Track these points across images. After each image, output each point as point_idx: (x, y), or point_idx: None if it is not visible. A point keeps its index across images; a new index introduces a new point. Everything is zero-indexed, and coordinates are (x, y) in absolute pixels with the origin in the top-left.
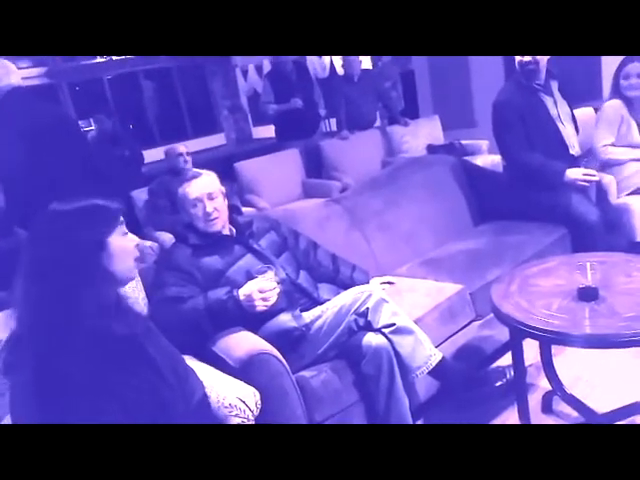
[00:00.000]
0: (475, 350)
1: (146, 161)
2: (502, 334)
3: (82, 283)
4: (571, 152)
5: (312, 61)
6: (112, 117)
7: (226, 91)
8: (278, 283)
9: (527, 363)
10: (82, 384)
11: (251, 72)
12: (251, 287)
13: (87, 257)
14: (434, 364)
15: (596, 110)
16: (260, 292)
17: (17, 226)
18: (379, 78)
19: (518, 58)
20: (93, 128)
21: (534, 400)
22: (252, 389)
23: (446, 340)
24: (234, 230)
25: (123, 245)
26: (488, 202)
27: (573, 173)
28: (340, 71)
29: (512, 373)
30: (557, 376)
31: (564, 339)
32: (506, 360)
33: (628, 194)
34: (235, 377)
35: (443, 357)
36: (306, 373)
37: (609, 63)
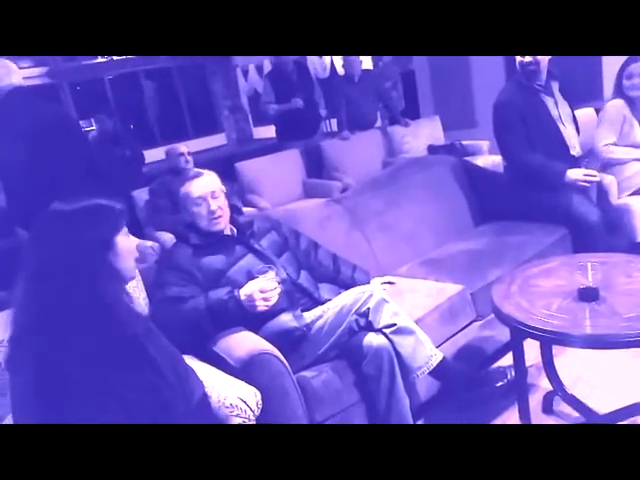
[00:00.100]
0: (476, 350)
1: (147, 161)
2: (503, 334)
3: (89, 282)
4: (572, 153)
5: (313, 61)
6: (113, 117)
7: (227, 91)
8: (279, 283)
9: (528, 363)
10: (83, 383)
11: (252, 72)
12: (252, 287)
13: (95, 256)
14: (435, 364)
15: (597, 111)
16: (261, 292)
17: (18, 226)
18: (380, 78)
19: (519, 59)
20: (94, 128)
21: (535, 400)
22: (253, 389)
23: (447, 340)
24: (235, 230)
25: (127, 245)
26: (489, 202)
27: (574, 174)
28: (341, 71)
29: (513, 373)
30: (558, 376)
31: (565, 339)
32: (507, 360)
33: (629, 194)
34: (236, 377)
35: (444, 357)
36: (307, 373)
37: (610, 64)
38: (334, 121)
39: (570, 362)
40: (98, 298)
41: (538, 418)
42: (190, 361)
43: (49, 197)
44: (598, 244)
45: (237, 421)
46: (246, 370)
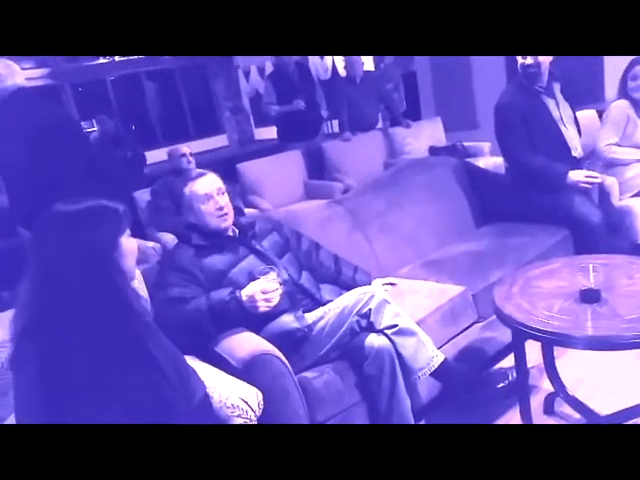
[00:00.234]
0: (477, 352)
1: (149, 162)
2: (504, 336)
3: (94, 282)
4: (573, 154)
5: (314, 62)
6: (114, 118)
7: (228, 92)
8: (280, 284)
9: (529, 365)
10: (86, 383)
11: (253, 73)
12: (254, 288)
13: (100, 257)
14: (436, 365)
15: (598, 112)
16: (263, 293)
17: (20, 226)
18: (381, 80)
19: (520, 60)
20: (95, 129)
21: (536, 402)
22: (254, 389)
23: (448, 341)
24: (237, 231)
25: (130, 245)
26: (490, 204)
27: (575, 175)
28: (342, 72)
29: (514, 375)
30: (559, 378)
31: (566, 341)
32: (508, 362)
33: (631, 196)
34: (238, 377)
35: (445, 358)
36: (308, 374)
37: (612, 65)
38: (335, 122)
39: (571, 363)
40: (102, 298)
41: (539, 419)
42: (192, 361)
43: (51, 197)
44: (600, 245)
45: (238, 421)
46: (247, 371)
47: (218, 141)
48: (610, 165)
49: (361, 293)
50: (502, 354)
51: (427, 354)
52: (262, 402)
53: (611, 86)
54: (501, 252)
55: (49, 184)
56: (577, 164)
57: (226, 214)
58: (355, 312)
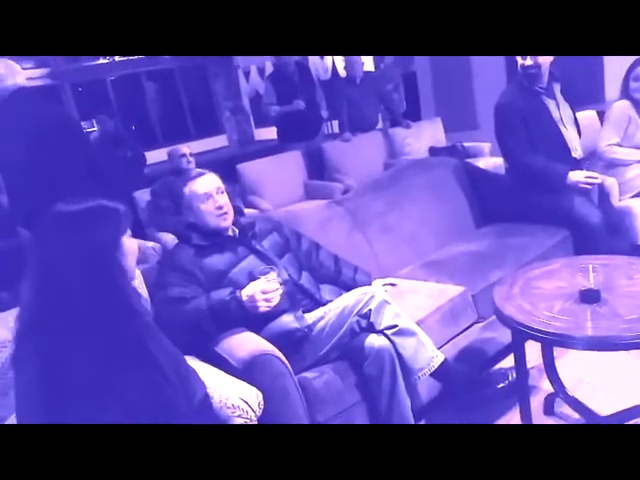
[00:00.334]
0: (477, 352)
1: (148, 162)
2: (504, 336)
3: (96, 282)
4: (573, 155)
5: (314, 63)
6: (114, 118)
7: (228, 92)
8: (280, 284)
9: (529, 365)
10: (87, 383)
11: (253, 73)
12: (254, 288)
13: (102, 257)
14: (436, 366)
15: (598, 113)
16: (263, 293)
17: (20, 226)
18: (381, 80)
19: (520, 61)
20: (95, 129)
21: (536, 402)
22: (255, 390)
23: (448, 342)
24: (237, 231)
25: (130, 245)
26: (490, 204)
27: (575, 175)
28: (342, 73)
29: (514, 375)
30: (559, 378)
31: (566, 341)
32: (508, 362)
33: (631, 197)
34: (238, 378)
35: (445, 359)
36: (308, 374)
37: (612, 66)
38: (335, 123)
39: (571, 364)
40: (104, 298)
41: (539, 420)
42: (192, 361)
43: (51, 198)
44: (599, 246)
45: (239, 421)
46: (248, 371)
47: (218, 141)
48: (610, 166)
49: (361, 293)
50: (502, 354)
51: (427, 354)
52: (262, 402)
53: (611, 87)
54: (501, 252)
55: (49, 184)
56: (577, 165)
57: (226, 213)
58: (355, 312)
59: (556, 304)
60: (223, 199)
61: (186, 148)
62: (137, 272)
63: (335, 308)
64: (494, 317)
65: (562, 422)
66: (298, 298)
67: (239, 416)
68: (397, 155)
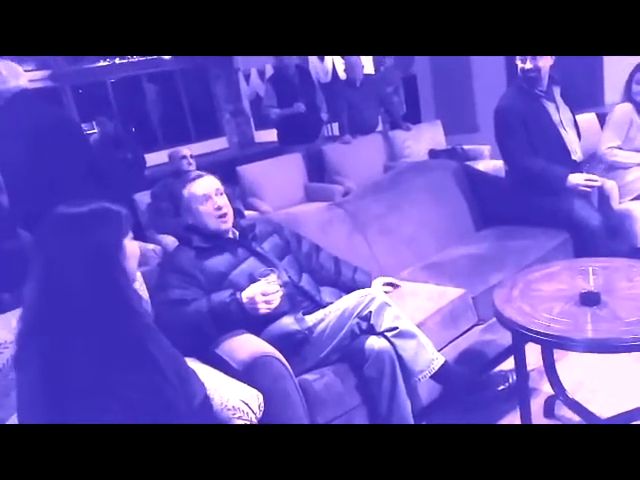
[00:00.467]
0: (477, 354)
1: (149, 164)
2: (504, 338)
3: (99, 284)
4: (573, 158)
5: (314, 65)
6: (114, 120)
7: (228, 95)
8: (281, 286)
9: (529, 367)
10: (88, 383)
11: (253, 76)
12: (254, 290)
13: (104, 259)
14: (436, 368)
15: (598, 116)
16: (263, 295)
17: (20, 228)
18: (381, 83)
19: (520, 65)
20: (96, 131)
21: (536, 404)
22: (255, 391)
23: (448, 344)
24: (237, 233)
25: (132, 247)
26: (490, 207)
27: (575, 178)
28: (342, 76)
29: (514, 377)
30: (559, 380)
31: (566, 343)
32: (508, 364)
33: (631, 199)
34: (238, 379)
35: (446, 361)
36: (309, 376)
37: (612, 69)
38: (336, 125)
39: (571, 366)
40: (105, 299)
41: (539, 422)
42: (192, 363)
43: (51, 199)
44: (599, 249)
45: (239, 423)
46: (248, 372)
47: (218, 143)
48: (610, 168)
49: (361, 296)
50: (502, 357)
51: (427, 356)
52: (263, 404)
53: (611, 90)
54: (501, 255)
55: (49, 186)
56: (577, 167)
57: (225, 215)
58: (355, 314)
59: (556, 306)
60: (222, 201)
61: (187, 150)
62: (138, 274)
63: (335, 310)
64: (494, 319)
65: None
66: (298, 300)
67: (239, 418)
68: (397, 158)
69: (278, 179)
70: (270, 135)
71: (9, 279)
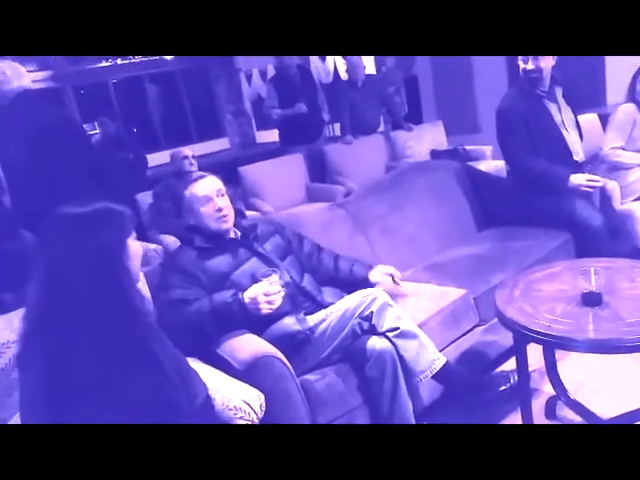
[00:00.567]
0: (479, 355)
1: (150, 165)
2: (506, 339)
3: (103, 283)
4: (575, 158)
5: (316, 66)
6: (116, 120)
7: (230, 95)
8: (283, 286)
9: (531, 368)
10: (90, 383)
11: (255, 77)
12: (256, 290)
13: (109, 258)
14: (438, 368)
15: (600, 116)
16: (265, 295)
17: (22, 228)
18: (383, 83)
19: (522, 66)
20: (97, 131)
21: (538, 405)
22: (257, 391)
23: (450, 344)
24: (239, 233)
25: (135, 247)
26: (492, 207)
27: (577, 179)
28: (344, 76)
29: (516, 378)
30: (561, 381)
31: (568, 344)
32: (510, 365)
33: (633, 200)
34: (240, 379)
35: (447, 361)
36: (310, 376)
37: (614, 70)
38: (337, 126)
39: (573, 367)
40: (109, 299)
41: (541, 423)
42: (194, 363)
43: (53, 200)
44: (601, 249)
45: (240, 423)
46: (250, 373)
47: (219, 144)
48: (612, 169)
49: (363, 296)
50: (504, 357)
51: (429, 357)
52: (264, 404)
53: (613, 90)
54: (503, 255)
55: (51, 186)
56: (579, 168)
57: (225, 216)
58: (357, 315)
59: (558, 307)
60: (223, 202)
61: (188, 150)
62: (140, 274)
63: (337, 310)
64: (496, 320)
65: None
66: (300, 300)
67: (241, 418)
68: (399, 158)
69: (279, 179)
70: (271, 136)
71: (11, 279)
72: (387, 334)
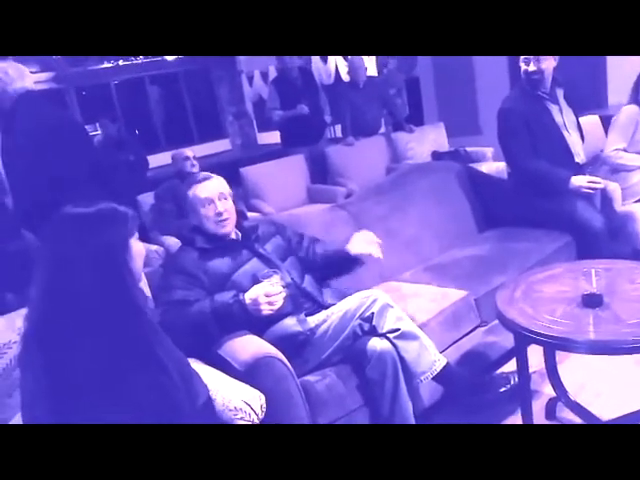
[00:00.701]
0: (480, 356)
1: (152, 166)
2: (507, 340)
3: (107, 283)
4: (576, 160)
5: (317, 67)
6: (117, 122)
7: (231, 97)
8: (284, 287)
9: (531, 369)
10: (91, 383)
11: (256, 78)
12: (257, 291)
13: (112, 258)
14: (439, 369)
15: (601, 118)
16: (266, 296)
17: (24, 229)
18: (384, 85)
19: (523, 67)
20: (99, 132)
21: (538, 406)
22: (257, 392)
23: (451, 346)
24: (240, 234)
25: (138, 248)
26: (493, 209)
27: (578, 180)
28: (345, 78)
29: (516, 379)
30: (561, 382)
31: (568, 345)
32: (511, 366)
33: (634, 202)
34: (240, 380)
35: (448, 362)
36: (311, 377)
37: (615, 72)
38: (338, 127)
39: (573, 368)
40: (113, 299)
41: (541, 424)
42: (195, 364)
43: (55, 201)
44: (602, 251)
45: (241, 424)
46: (250, 373)
47: (221, 145)
48: (614, 171)
49: (364, 297)
50: (504, 358)
51: (429, 358)
52: (265, 405)
53: (614, 92)
54: (504, 257)
55: (53, 187)
56: (580, 170)
57: (225, 220)
58: (358, 316)
59: (559, 308)
60: (224, 206)
61: (190, 152)
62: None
63: (338, 311)
64: (497, 321)
65: None
66: (301, 301)
67: (242, 419)
68: (400, 159)
69: (281, 181)
70: (273, 137)
71: (13, 279)
72: (388, 335)
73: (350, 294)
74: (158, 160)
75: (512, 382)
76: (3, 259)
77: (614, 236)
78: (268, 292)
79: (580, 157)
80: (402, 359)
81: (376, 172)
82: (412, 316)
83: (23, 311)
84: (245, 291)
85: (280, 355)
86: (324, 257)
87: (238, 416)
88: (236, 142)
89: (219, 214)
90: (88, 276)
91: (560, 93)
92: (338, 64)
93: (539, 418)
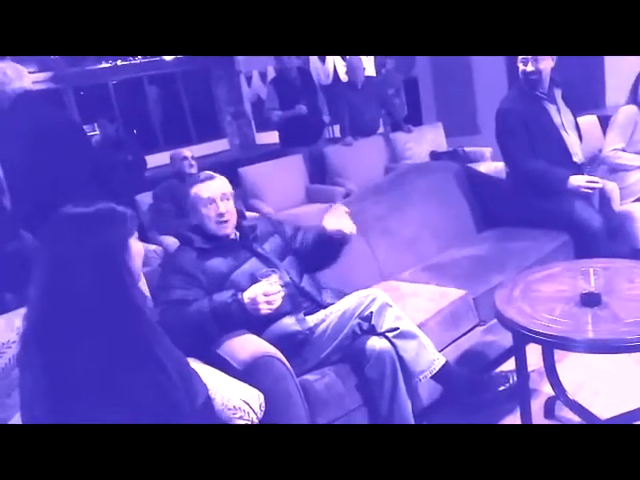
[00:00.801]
0: (478, 355)
1: (150, 166)
2: (505, 339)
3: (106, 283)
4: (574, 160)
5: (316, 67)
6: (116, 122)
7: (230, 97)
8: (282, 287)
9: (530, 368)
10: (91, 383)
11: (255, 78)
12: (255, 290)
13: (112, 258)
14: (437, 368)
15: (599, 118)
16: (264, 295)
17: (22, 229)
18: (383, 85)
19: (521, 67)
20: (97, 133)
21: (537, 405)
22: (256, 391)
23: (449, 345)
24: (238, 234)
25: (137, 247)
26: (491, 209)
27: (576, 180)
28: (344, 78)
29: (515, 378)
30: (560, 381)
31: (567, 344)
32: (509, 365)
33: (632, 201)
34: (239, 379)
35: (446, 362)
36: (310, 376)
37: (613, 72)
38: (337, 127)
39: (572, 367)
40: (112, 298)
41: (540, 423)
42: (194, 364)
43: (53, 201)
44: (600, 250)
45: (240, 423)
46: (249, 373)
47: (219, 145)
48: (613, 170)
49: (363, 296)
50: (503, 357)
51: (428, 357)
52: (264, 404)
53: (612, 92)
54: (502, 257)
55: (51, 187)
56: (578, 169)
57: (225, 221)
58: (356, 315)
59: (557, 307)
60: (225, 206)
61: (188, 152)
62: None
63: (336, 311)
64: (495, 320)
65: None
66: (299, 301)
67: (240, 418)
68: (398, 159)
69: (279, 181)
70: (271, 137)
71: (12, 279)
72: (386, 334)
73: (349, 293)
74: (156, 160)
75: (511, 381)
76: (2, 259)
77: (612, 235)
78: (267, 291)
79: (578, 157)
80: (401, 358)
81: (374, 172)
82: (411, 315)
83: (22, 311)
84: (244, 290)
85: (279, 354)
86: (314, 242)
87: (237, 415)
88: (234, 142)
89: (220, 215)
90: (87, 276)
91: (558, 93)
92: (336, 64)
93: (538, 417)
